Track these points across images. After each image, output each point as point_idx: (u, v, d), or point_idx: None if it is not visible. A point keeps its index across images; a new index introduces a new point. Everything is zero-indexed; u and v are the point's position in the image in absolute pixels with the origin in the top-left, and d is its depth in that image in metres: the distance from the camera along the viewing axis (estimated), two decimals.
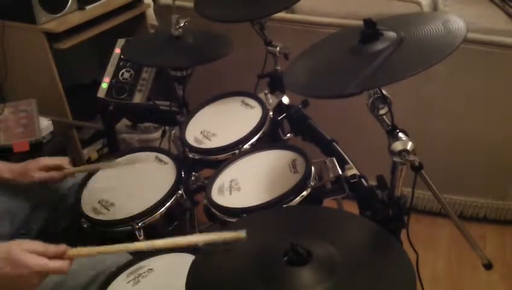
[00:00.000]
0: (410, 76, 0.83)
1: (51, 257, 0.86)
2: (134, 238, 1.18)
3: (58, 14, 1.96)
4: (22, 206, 1.26)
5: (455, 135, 1.90)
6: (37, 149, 1.79)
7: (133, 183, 1.32)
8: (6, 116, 1.87)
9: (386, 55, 0.91)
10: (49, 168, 1.25)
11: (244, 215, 1.10)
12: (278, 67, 1.55)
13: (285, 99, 1.52)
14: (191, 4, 1.55)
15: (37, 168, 1.23)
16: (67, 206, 1.33)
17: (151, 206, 1.21)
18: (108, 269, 1.05)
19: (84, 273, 1.05)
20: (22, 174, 1.24)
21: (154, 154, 1.40)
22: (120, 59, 1.99)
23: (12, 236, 1.22)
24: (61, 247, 0.88)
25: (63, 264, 0.86)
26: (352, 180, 1.16)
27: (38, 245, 0.86)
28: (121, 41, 1.98)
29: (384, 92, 0.96)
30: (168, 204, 1.24)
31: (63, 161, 1.28)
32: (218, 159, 1.34)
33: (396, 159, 0.94)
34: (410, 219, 1.02)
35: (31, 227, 1.27)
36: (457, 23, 0.92)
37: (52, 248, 0.87)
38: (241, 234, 0.83)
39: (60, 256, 0.87)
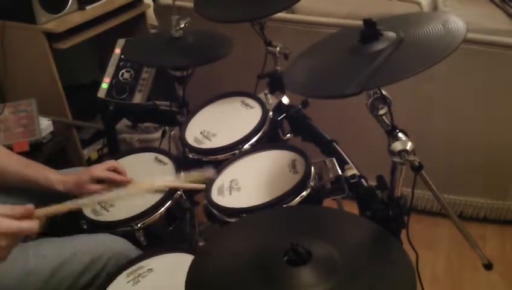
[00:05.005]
0: (410, 76, 0.83)
1: (19, 218, 0.86)
2: (134, 239, 1.18)
3: (58, 14, 1.96)
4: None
5: (455, 135, 1.90)
6: (37, 149, 1.79)
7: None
8: (6, 116, 1.87)
9: (386, 55, 0.91)
10: (101, 180, 1.25)
11: (244, 215, 1.10)
12: (278, 68, 1.55)
13: (285, 100, 1.52)
14: (191, 4, 1.55)
15: (91, 181, 1.24)
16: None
17: (150, 207, 1.21)
18: (104, 255, 1.06)
19: (79, 261, 1.05)
20: (77, 186, 1.24)
21: (154, 154, 1.40)
22: (120, 59, 1.99)
23: None
24: (28, 207, 0.87)
25: (32, 223, 0.86)
26: (352, 181, 1.15)
27: (5, 208, 0.86)
28: (121, 42, 1.97)
29: (384, 92, 0.96)
30: (167, 204, 1.24)
31: (113, 170, 1.27)
32: (218, 159, 1.34)
33: (396, 159, 0.94)
34: (410, 218, 1.02)
35: None
36: (457, 23, 0.92)
37: (19, 209, 0.86)
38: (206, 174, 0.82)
39: (28, 216, 0.87)
